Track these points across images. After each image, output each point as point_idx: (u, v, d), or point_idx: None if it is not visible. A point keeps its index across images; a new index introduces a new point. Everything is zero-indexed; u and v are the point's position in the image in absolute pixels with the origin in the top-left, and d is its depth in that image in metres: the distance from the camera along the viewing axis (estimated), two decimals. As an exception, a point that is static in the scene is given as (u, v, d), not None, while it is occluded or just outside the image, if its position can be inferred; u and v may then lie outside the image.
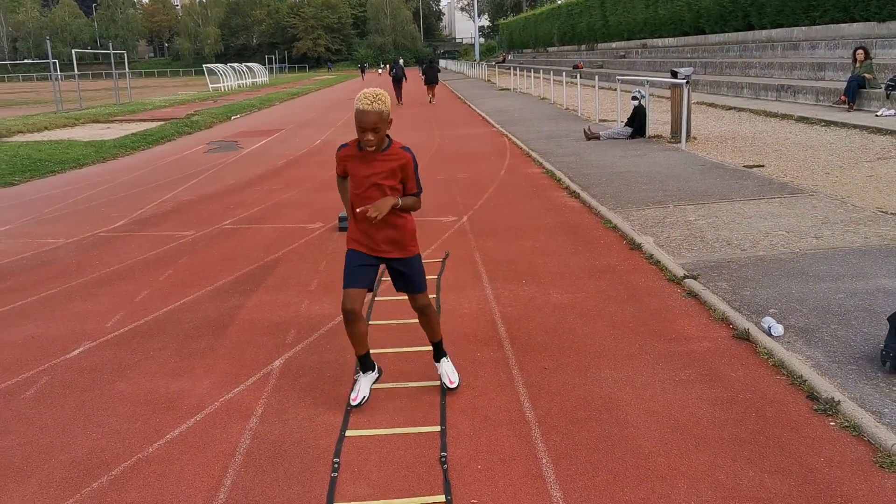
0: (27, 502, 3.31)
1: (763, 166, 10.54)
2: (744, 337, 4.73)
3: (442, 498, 3.17)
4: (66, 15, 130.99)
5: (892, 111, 14.39)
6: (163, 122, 24.40)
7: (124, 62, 38.74)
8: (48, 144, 18.31)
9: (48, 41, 28.43)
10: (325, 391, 4.27)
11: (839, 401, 3.76)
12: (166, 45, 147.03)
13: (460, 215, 8.90)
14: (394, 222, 3.85)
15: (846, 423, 3.61)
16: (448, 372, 4.19)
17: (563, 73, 26.47)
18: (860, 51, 15.86)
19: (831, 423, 3.66)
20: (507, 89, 36.42)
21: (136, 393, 4.40)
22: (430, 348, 4.28)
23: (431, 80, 30.96)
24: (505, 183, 11.06)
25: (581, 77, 24.45)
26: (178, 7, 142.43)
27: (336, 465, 3.43)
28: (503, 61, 71.80)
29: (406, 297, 4.13)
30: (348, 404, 4.02)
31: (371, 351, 4.11)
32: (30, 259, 7.75)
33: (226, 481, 3.42)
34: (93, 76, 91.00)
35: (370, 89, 3.68)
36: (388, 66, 34.90)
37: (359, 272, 3.84)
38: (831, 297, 5.19)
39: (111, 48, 35.05)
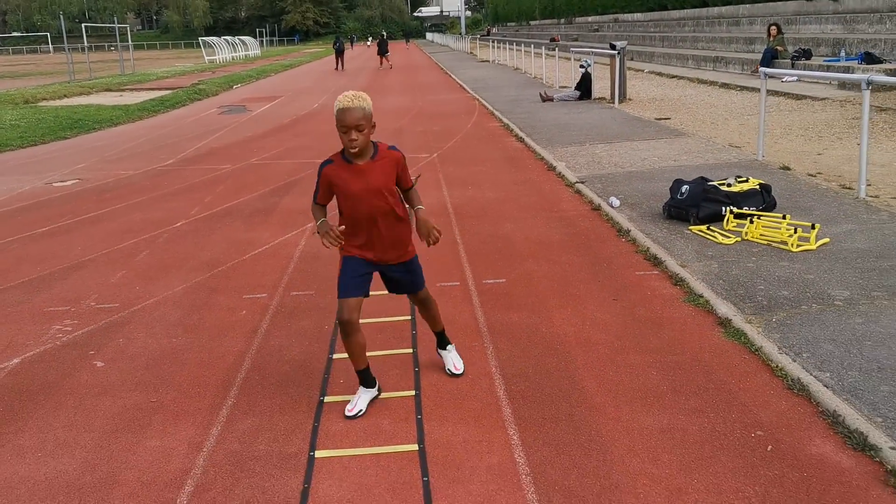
0: (185, 276, 6.24)
1: (669, 119, 13.49)
2: (596, 208, 7.71)
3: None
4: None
5: (795, 78, 17.31)
6: (172, 91, 27.03)
7: (127, 35, 41.13)
8: (80, 108, 21.03)
9: (61, 16, 30.98)
10: (340, 234, 7.22)
11: (630, 230, 6.74)
12: (154, 17, 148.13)
13: (432, 153, 11.81)
14: (398, 227, 3.78)
15: (630, 239, 6.58)
16: (453, 359, 4.21)
17: (533, 46, 29.18)
18: (773, 27, 18.75)
19: (623, 240, 6.63)
20: (487, 61, 39.19)
21: (225, 239, 7.33)
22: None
23: (383, 51, 39.69)
24: (469, 133, 13.97)
25: (554, 49, 27.19)
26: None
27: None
28: (488, 34, 74.25)
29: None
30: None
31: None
32: (114, 183, 10.62)
33: (289, 267, 6.35)
34: (83, 49, 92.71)
35: (350, 91, 3.56)
36: (372, 38, 42.65)
37: (356, 282, 3.70)
38: (658, 189, 8.12)
39: (115, 22, 37.48)
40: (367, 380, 3.85)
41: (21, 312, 5.52)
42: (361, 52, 62.95)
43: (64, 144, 15.11)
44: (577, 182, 8.86)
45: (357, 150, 3.53)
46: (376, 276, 3.92)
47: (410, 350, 4.60)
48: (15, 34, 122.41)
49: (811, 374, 3.88)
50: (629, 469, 3.25)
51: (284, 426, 3.72)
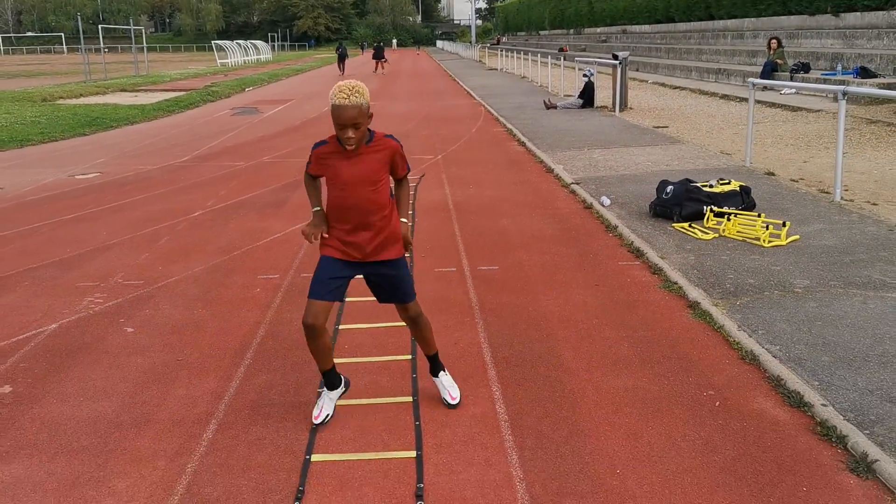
0: (204, 259, 6.76)
1: (667, 127, 13.99)
2: (588, 207, 8.21)
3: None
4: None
5: (793, 90, 17.81)
6: (185, 92, 27.65)
7: (143, 37, 41.88)
8: (98, 107, 21.65)
9: (78, 17, 31.56)
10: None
11: (617, 226, 7.24)
12: (167, 20, 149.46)
13: (436, 155, 12.33)
14: (386, 219, 3.58)
15: (617, 234, 7.08)
16: (448, 386, 3.93)
17: (540, 55, 29.73)
18: (773, 40, 19.26)
19: (610, 235, 7.13)
20: (495, 69, 39.79)
21: (240, 228, 7.86)
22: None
23: (379, 56, 42.19)
24: (474, 137, 14.50)
25: (560, 59, 27.76)
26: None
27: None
28: (497, 43, 74.89)
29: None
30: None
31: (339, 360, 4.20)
32: (133, 176, 11.17)
33: (300, 253, 6.87)
34: (95, 50, 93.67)
35: (346, 81, 3.35)
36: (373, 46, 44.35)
37: (330, 284, 3.55)
38: (648, 190, 8.61)
39: (131, 24, 38.21)
40: (332, 381, 3.73)
41: (55, 287, 6.04)
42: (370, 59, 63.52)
43: (83, 140, 15.69)
44: (572, 183, 9.36)
45: (353, 146, 3.42)
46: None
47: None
48: (29, 34, 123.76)
49: (763, 347, 4.37)
50: (594, 418, 3.75)
51: (295, 381, 4.23)
